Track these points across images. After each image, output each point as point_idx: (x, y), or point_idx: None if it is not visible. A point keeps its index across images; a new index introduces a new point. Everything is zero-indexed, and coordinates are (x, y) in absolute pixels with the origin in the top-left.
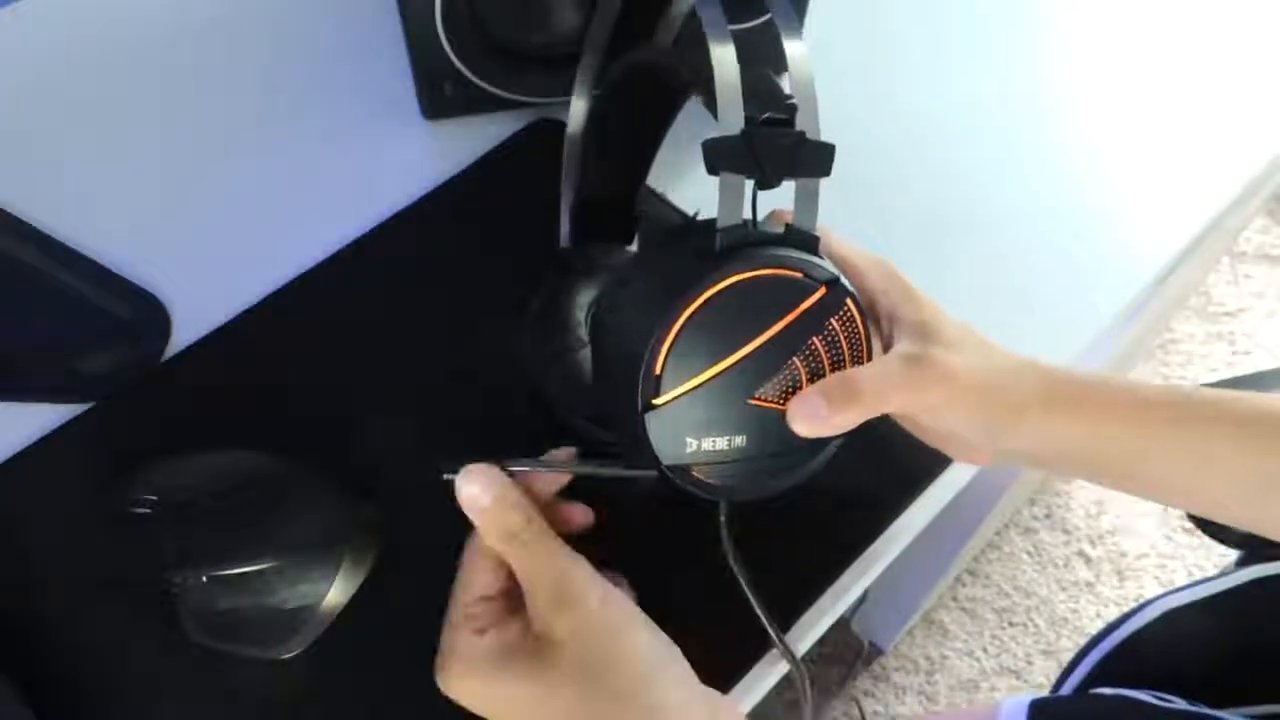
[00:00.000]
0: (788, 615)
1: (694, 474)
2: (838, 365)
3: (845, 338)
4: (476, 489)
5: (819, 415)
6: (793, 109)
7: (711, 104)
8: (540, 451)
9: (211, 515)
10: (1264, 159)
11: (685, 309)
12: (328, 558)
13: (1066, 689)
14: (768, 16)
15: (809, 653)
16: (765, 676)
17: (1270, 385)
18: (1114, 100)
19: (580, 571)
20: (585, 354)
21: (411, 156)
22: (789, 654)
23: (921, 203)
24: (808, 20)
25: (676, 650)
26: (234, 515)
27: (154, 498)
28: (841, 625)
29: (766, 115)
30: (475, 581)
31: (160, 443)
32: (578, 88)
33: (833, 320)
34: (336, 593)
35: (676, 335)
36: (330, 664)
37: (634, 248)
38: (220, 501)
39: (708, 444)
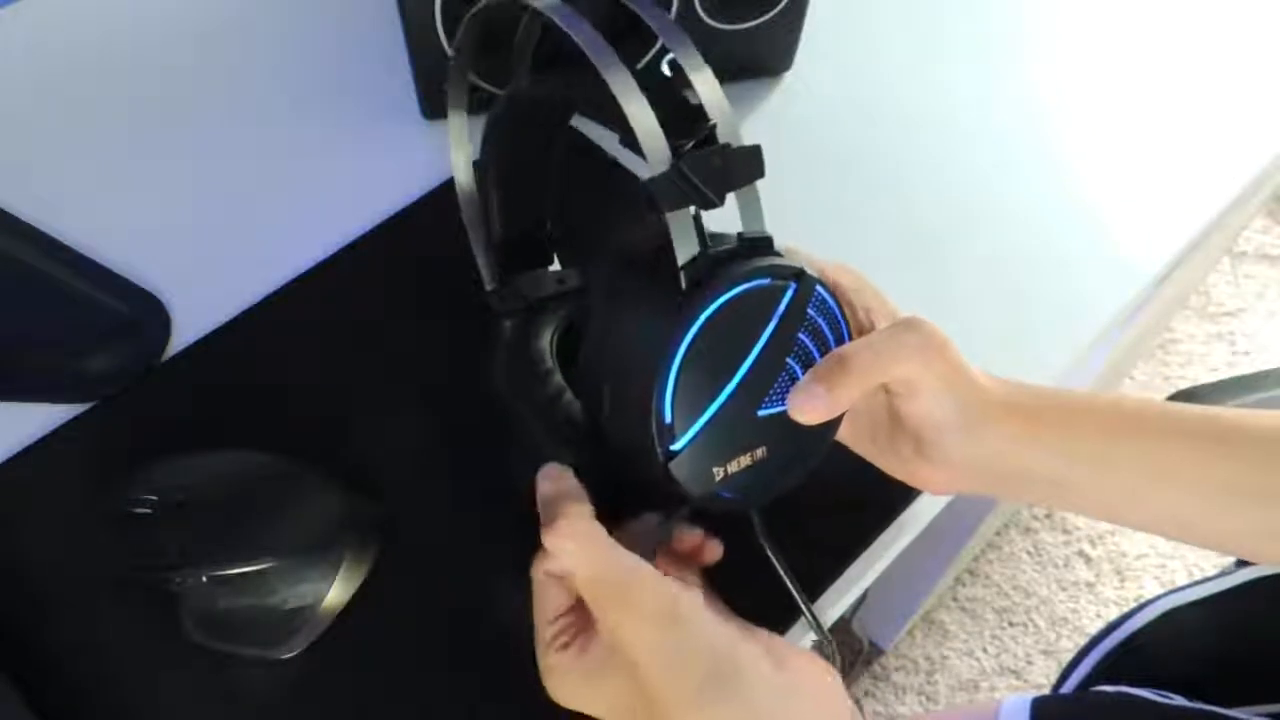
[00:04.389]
0: (788, 614)
1: (725, 496)
2: (825, 350)
3: (826, 322)
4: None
5: (818, 397)
6: (712, 126)
7: (628, 141)
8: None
9: (211, 515)
10: (1264, 159)
11: (675, 355)
12: (328, 558)
13: (1067, 688)
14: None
15: None
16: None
17: (1270, 385)
18: (1114, 100)
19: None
20: (568, 398)
21: (411, 156)
22: (817, 625)
23: (921, 204)
24: (806, 23)
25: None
26: (234, 515)
27: (154, 498)
28: (841, 625)
29: (692, 142)
30: (548, 604)
31: (160, 443)
32: (454, 141)
33: (809, 310)
34: (336, 593)
35: (676, 381)
36: (330, 664)
37: (556, 266)
38: (220, 502)
39: (733, 466)
